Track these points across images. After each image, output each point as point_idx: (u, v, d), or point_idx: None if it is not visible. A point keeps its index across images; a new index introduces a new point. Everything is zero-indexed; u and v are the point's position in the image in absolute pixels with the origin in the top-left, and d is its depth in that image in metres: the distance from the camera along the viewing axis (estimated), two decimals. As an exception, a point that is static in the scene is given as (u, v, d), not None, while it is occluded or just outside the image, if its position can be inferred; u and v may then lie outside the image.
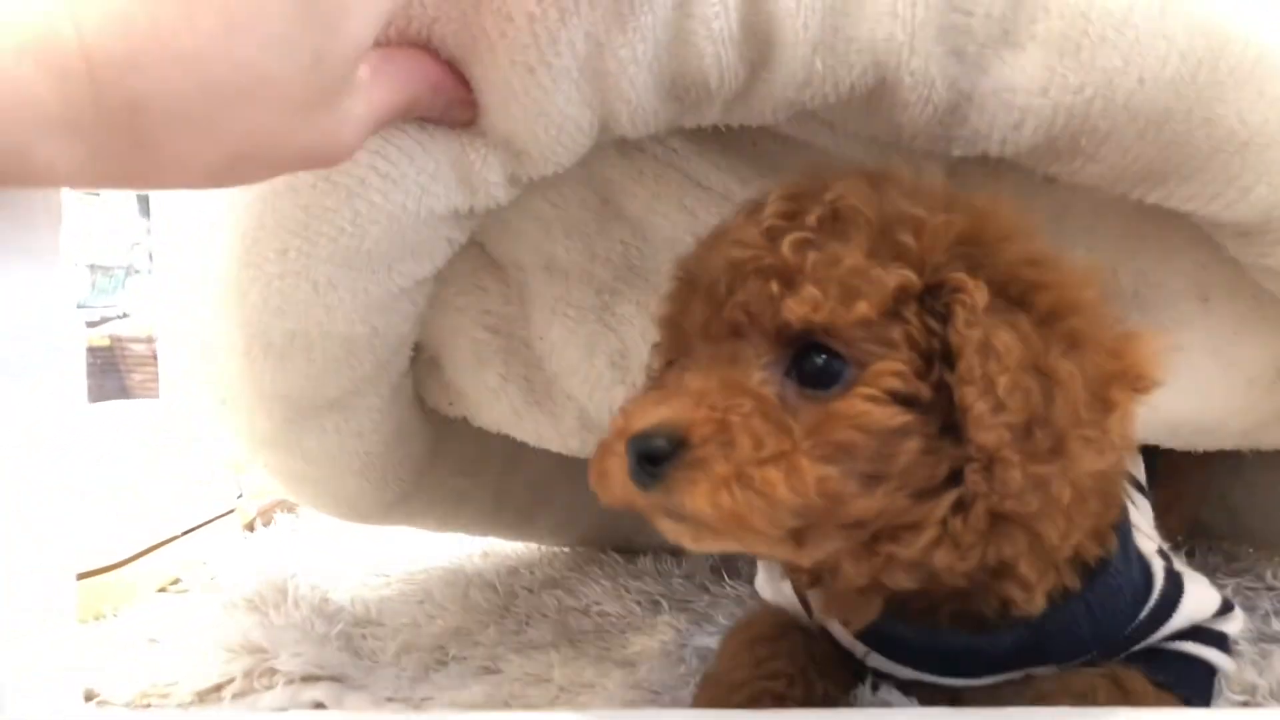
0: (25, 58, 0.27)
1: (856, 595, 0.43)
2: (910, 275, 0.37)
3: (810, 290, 0.37)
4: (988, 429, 0.36)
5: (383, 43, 0.41)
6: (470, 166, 0.46)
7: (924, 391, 0.37)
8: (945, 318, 0.37)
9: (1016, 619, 0.44)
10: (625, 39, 0.41)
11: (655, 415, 0.38)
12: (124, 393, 2.43)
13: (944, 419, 0.37)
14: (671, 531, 0.39)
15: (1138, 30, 0.41)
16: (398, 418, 0.61)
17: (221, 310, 0.51)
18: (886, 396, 0.37)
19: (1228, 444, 0.61)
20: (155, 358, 2.46)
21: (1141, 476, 0.64)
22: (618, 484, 0.39)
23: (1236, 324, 0.53)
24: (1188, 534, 0.81)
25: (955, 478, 0.37)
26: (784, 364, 0.38)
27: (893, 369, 0.37)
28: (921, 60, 0.42)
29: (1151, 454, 0.66)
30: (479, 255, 0.58)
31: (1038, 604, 0.41)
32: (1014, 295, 0.38)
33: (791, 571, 0.45)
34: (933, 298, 0.38)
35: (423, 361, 0.61)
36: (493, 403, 0.61)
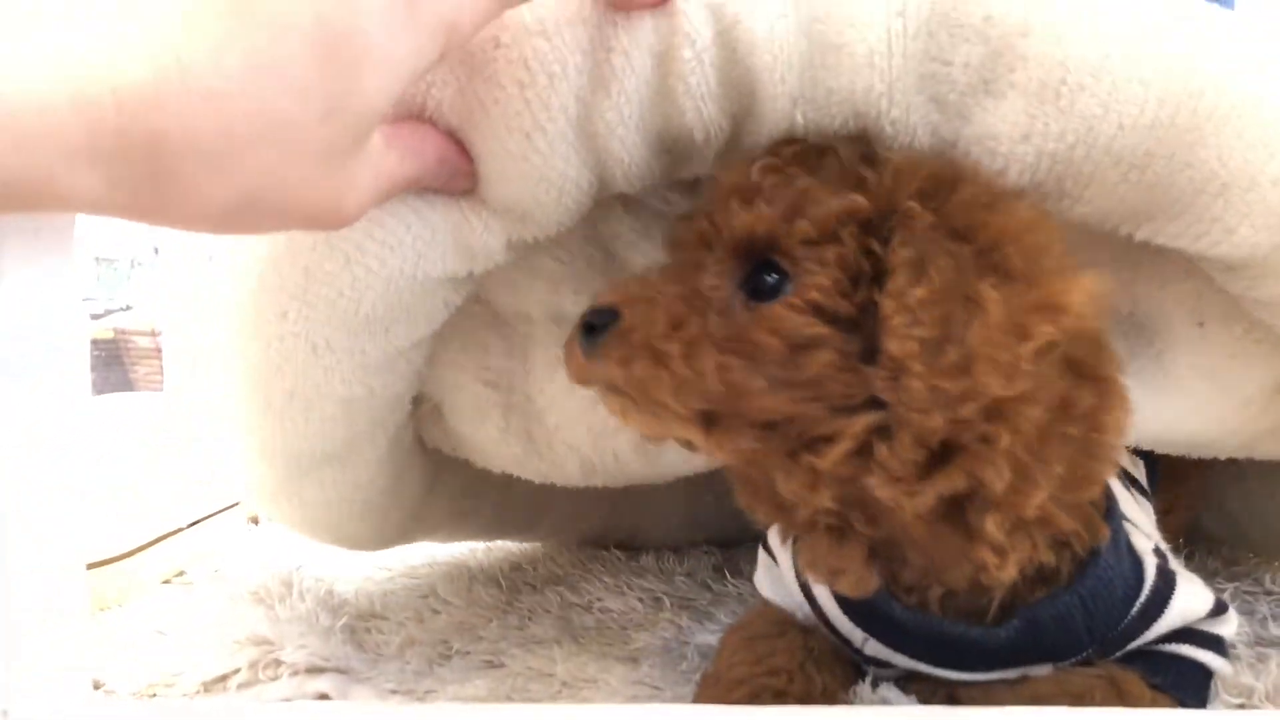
0: (58, 89, 0.28)
1: (833, 544, 0.43)
2: (859, 200, 0.40)
3: (760, 205, 0.41)
4: (899, 339, 0.37)
5: (386, 116, 0.42)
6: (471, 233, 0.47)
7: (844, 308, 0.40)
8: (892, 236, 0.40)
9: (1010, 610, 0.45)
10: (611, 102, 0.42)
11: (608, 297, 0.43)
12: (128, 386, 2.43)
13: (871, 343, 0.39)
14: (608, 405, 0.43)
15: (1114, 76, 0.41)
16: (396, 465, 0.62)
17: (223, 371, 0.52)
18: (807, 307, 0.40)
19: (1224, 455, 0.62)
20: (159, 351, 2.47)
21: (1143, 479, 0.64)
22: (575, 360, 0.43)
23: (1232, 348, 0.53)
24: (1188, 538, 0.81)
25: (879, 404, 0.39)
26: (738, 276, 0.42)
27: (818, 283, 0.40)
28: (901, 110, 0.43)
29: (1152, 458, 0.66)
30: (481, 312, 0.58)
31: (1009, 573, 0.41)
32: (960, 229, 0.40)
33: (768, 514, 0.46)
34: (883, 223, 0.40)
35: (425, 410, 0.62)
36: (496, 451, 0.62)
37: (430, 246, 0.46)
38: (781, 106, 0.43)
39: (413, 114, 0.43)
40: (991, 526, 0.39)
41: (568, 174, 0.44)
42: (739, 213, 0.42)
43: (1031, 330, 0.37)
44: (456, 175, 0.44)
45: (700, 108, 0.43)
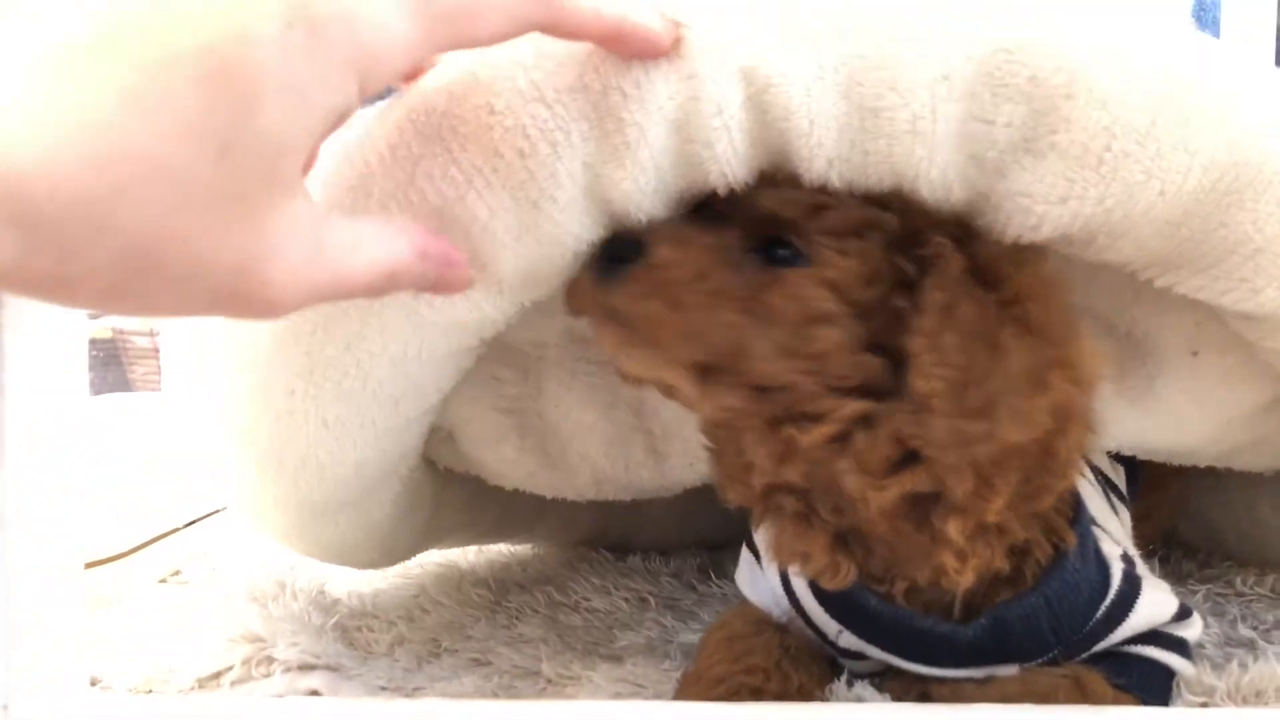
0: None
1: (799, 529, 0.45)
2: (886, 215, 0.42)
3: (789, 191, 0.42)
4: (926, 377, 0.39)
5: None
6: (480, 315, 0.46)
7: (860, 295, 0.41)
8: (919, 264, 0.41)
9: (978, 609, 0.47)
10: (626, 173, 0.41)
11: (632, 231, 0.43)
12: (126, 385, 2.44)
13: (875, 337, 0.41)
14: (602, 336, 0.44)
15: (1160, 143, 0.40)
16: (408, 499, 0.63)
17: (232, 438, 0.53)
18: (826, 283, 0.41)
19: (1202, 464, 0.63)
20: (157, 351, 2.47)
21: (1123, 486, 0.66)
22: (583, 291, 0.44)
23: (1223, 375, 0.54)
24: (1165, 545, 0.83)
25: (870, 395, 0.41)
26: (754, 243, 0.43)
27: (838, 264, 0.41)
28: (940, 170, 0.42)
29: (1134, 465, 0.68)
30: (492, 348, 0.57)
31: (968, 578, 0.43)
32: (988, 278, 0.41)
33: (737, 492, 0.47)
34: (910, 244, 0.42)
35: (438, 437, 0.62)
36: (510, 470, 0.63)
37: (430, 331, 0.46)
38: (817, 167, 0.42)
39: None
40: (954, 530, 0.41)
41: (582, 236, 0.43)
42: (767, 191, 0.42)
43: (1051, 384, 0.39)
44: (447, 267, 0.39)
45: (725, 171, 0.42)
